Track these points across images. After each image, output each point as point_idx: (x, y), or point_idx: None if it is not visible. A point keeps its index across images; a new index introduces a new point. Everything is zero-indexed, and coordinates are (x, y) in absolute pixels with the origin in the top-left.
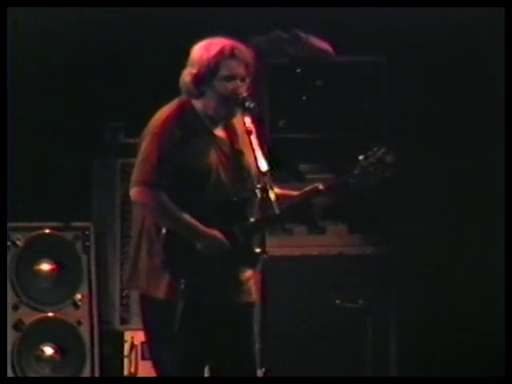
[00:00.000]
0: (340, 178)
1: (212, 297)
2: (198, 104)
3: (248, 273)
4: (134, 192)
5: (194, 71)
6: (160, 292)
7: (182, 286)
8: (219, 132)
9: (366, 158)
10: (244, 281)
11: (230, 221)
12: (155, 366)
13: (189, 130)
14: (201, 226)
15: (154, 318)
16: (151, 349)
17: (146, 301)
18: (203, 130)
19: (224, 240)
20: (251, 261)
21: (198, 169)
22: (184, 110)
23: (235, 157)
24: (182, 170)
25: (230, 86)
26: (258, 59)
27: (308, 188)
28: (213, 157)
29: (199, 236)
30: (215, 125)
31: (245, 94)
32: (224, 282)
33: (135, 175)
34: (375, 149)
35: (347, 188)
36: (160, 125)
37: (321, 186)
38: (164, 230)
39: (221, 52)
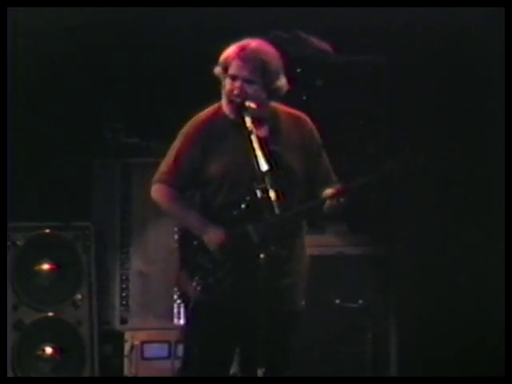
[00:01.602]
0: (364, 179)
1: (226, 297)
2: None
3: (288, 280)
4: (151, 190)
5: (217, 69)
6: (190, 291)
7: (194, 284)
8: (257, 132)
9: (393, 160)
10: (281, 288)
11: (251, 219)
12: (182, 365)
13: (214, 131)
14: (205, 222)
15: (186, 316)
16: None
17: (184, 300)
18: (229, 130)
19: (224, 238)
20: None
21: (219, 170)
22: (216, 113)
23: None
24: (203, 172)
25: (230, 85)
26: (273, 62)
27: (333, 190)
28: (236, 157)
29: (202, 232)
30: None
31: (237, 94)
32: (246, 284)
33: (155, 174)
34: (405, 150)
35: (371, 189)
36: (187, 127)
37: (341, 188)
38: (177, 228)
39: (231, 52)
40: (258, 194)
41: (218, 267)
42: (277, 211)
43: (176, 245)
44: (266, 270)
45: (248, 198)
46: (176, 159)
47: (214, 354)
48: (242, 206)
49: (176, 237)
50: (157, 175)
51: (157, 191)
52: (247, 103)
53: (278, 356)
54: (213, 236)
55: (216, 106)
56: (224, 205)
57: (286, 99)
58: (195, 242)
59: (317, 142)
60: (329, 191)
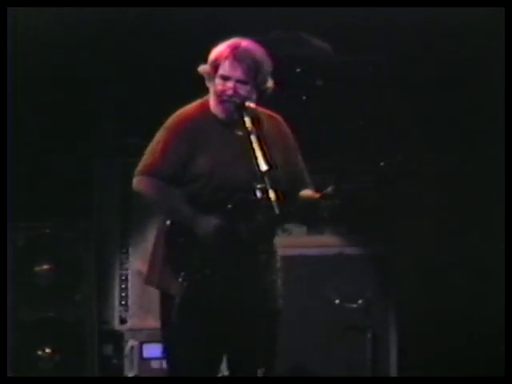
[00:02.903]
0: (358, 185)
1: (213, 294)
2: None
3: (269, 277)
4: (134, 182)
5: (205, 68)
6: (173, 288)
7: (180, 280)
8: (238, 130)
9: (386, 165)
10: (267, 286)
11: (238, 219)
12: (167, 365)
13: (201, 128)
14: (197, 212)
15: (167, 314)
16: (164, 346)
17: (162, 296)
18: (217, 129)
19: (217, 225)
20: (253, 259)
21: (207, 167)
22: (200, 109)
23: (249, 155)
24: (189, 169)
25: (222, 86)
26: (265, 62)
27: (325, 191)
28: (225, 156)
29: (194, 221)
30: (232, 123)
31: (230, 94)
32: (230, 281)
33: (138, 166)
34: (397, 156)
35: (365, 192)
36: (171, 121)
37: (331, 191)
38: (168, 222)
39: (223, 51)
40: (258, 194)
41: (206, 264)
42: (277, 211)
43: (162, 243)
44: (254, 268)
45: (236, 198)
46: (162, 152)
47: (202, 352)
48: (229, 206)
49: (156, 235)
50: (140, 167)
51: (142, 182)
52: (247, 103)
53: (263, 354)
54: (205, 224)
55: (201, 101)
56: (210, 203)
57: (287, 99)
58: (181, 240)
59: (293, 142)
60: (307, 192)
